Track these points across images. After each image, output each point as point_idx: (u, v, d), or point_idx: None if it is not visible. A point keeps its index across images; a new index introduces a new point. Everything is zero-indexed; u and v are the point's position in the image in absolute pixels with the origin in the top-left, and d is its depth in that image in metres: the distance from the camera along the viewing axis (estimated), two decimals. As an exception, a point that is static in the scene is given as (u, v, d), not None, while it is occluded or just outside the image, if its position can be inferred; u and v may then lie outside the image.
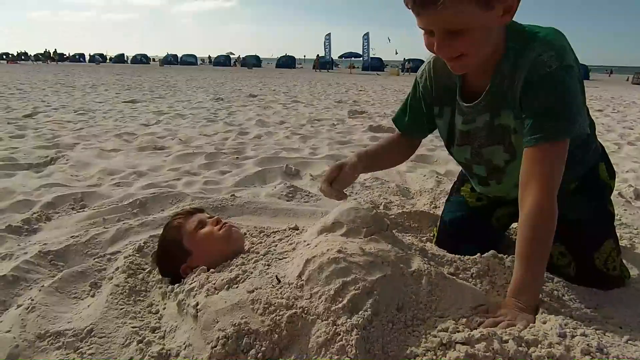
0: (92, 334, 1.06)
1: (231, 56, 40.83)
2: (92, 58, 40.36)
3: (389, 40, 40.52)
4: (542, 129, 0.95)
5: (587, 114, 1.08)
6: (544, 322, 0.88)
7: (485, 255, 1.24)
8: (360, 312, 0.89)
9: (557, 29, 1.01)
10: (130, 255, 1.42)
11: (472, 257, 1.24)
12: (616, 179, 2.83)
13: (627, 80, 26.81)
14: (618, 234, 1.77)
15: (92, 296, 1.28)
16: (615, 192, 2.35)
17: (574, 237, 1.22)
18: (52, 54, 36.07)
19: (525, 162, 0.99)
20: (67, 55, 40.60)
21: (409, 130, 1.36)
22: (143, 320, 1.14)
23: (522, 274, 0.96)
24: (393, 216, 1.84)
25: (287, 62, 36.16)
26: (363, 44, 31.24)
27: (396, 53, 39.24)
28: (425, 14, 0.90)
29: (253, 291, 0.99)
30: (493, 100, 1.08)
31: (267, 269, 1.11)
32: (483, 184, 1.31)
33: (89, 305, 1.21)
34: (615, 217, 1.97)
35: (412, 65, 29.70)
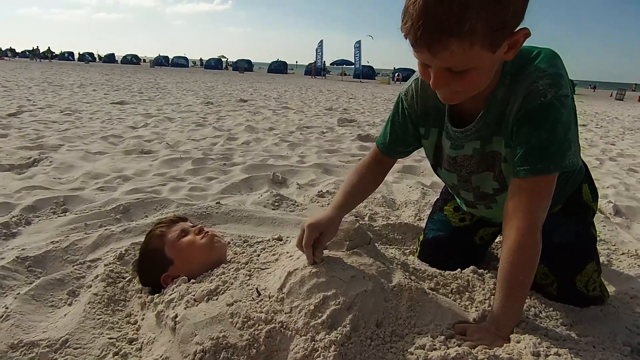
0: (67, 344, 1.04)
1: (222, 59, 40.74)
2: (82, 57, 39.88)
3: (372, 37, 41.08)
4: (532, 162, 0.93)
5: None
6: (518, 342, 0.89)
7: (465, 270, 1.25)
8: (339, 328, 0.90)
9: (552, 49, 0.98)
10: (110, 263, 1.40)
11: (452, 273, 1.26)
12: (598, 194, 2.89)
13: (611, 95, 27.48)
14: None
15: (70, 305, 1.26)
16: (598, 204, 2.42)
17: (557, 260, 1.23)
18: (46, 52, 35.36)
19: (512, 193, 0.97)
20: (56, 53, 40.06)
21: (390, 151, 1.28)
22: (120, 331, 1.13)
23: (502, 303, 0.97)
24: (378, 228, 1.85)
25: (278, 68, 36.23)
26: (355, 51, 31.48)
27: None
28: (427, 53, 0.82)
29: (233, 304, 0.98)
30: (485, 127, 1.04)
31: (248, 280, 1.11)
32: (470, 206, 1.30)
33: (65, 315, 1.19)
34: (595, 234, 2.02)
35: (403, 75, 30.02)
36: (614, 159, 4.41)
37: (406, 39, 0.83)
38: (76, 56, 41.29)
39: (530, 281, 0.97)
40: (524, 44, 0.94)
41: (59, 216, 1.91)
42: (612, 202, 2.53)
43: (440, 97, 0.98)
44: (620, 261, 1.74)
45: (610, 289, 1.50)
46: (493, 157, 1.08)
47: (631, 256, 1.78)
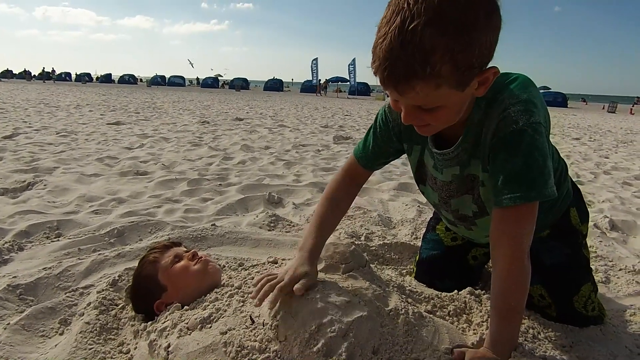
0: (58, 377, 1.02)
1: (219, 78, 41.13)
2: (79, 77, 40.16)
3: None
4: (512, 189, 0.92)
5: (558, 158, 1.08)
6: (517, 367, 0.88)
7: (462, 292, 1.24)
8: (334, 357, 0.88)
9: (527, 76, 0.99)
10: (103, 290, 1.38)
11: (449, 294, 1.25)
12: (593, 208, 2.90)
13: (603, 108, 27.84)
14: (593, 267, 1.81)
15: (61, 334, 1.23)
16: (590, 223, 2.41)
17: (551, 281, 1.23)
18: (50, 73, 35.75)
19: (495, 221, 0.97)
20: (55, 73, 40.39)
21: (370, 163, 1.25)
22: (112, 362, 1.11)
23: (497, 329, 0.96)
24: (374, 248, 1.84)
25: (274, 85, 36.60)
26: (349, 69, 31.89)
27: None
28: (396, 93, 0.84)
29: (226, 332, 0.97)
30: (464, 152, 1.05)
31: (242, 306, 1.09)
32: (452, 224, 1.30)
33: (56, 345, 1.16)
34: (590, 250, 2.01)
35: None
36: (608, 172, 4.43)
37: (375, 76, 0.84)
38: (73, 76, 41.59)
39: (522, 305, 0.97)
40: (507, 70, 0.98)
41: (52, 241, 1.89)
42: (607, 217, 2.53)
43: (418, 130, 0.98)
44: (617, 277, 1.74)
45: (609, 306, 1.49)
46: (472, 180, 1.09)
47: (629, 272, 1.77)
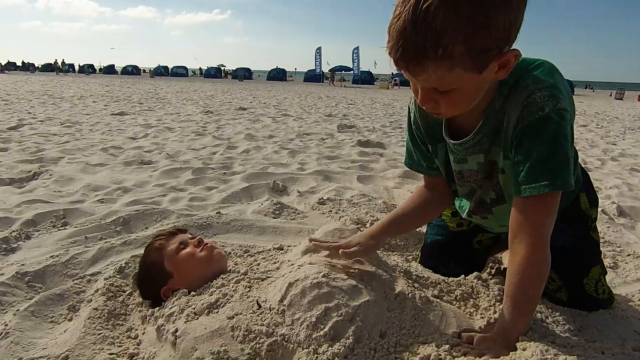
0: (67, 361, 1.02)
1: (222, 68, 40.97)
2: (82, 68, 40.12)
3: (375, 63, 41.34)
4: (536, 179, 0.91)
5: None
6: (524, 349, 0.87)
7: (469, 277, 1.24)
8: (342, 340, 0.88)
9: (552, 63, 0.96)
10: (110, 277, 1.39)
11: (456, 279, 1.24)
12: (601, 194, 2.87)
13: (610, 95, 27.49)
14: (602, 253, 1.80)
15: (70, 320, 1.24)
16: (598, 209, 2.39)
17: (562, 263, 1.21)
18: (62, 64, 35.83)
19: (517, 210, 0.96)
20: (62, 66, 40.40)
21: (422, 169, 1.24)
22: (121, 346, 1.11)
23: (510, 316, 0.95)
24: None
25: (278, 75, 36.40)
26: (353, 57, 31.62)
27: (375, 64, 40.11)
28: (409, 74, 0.84)
29: (233, 317, 0.97)
30: (485, 138, 1.02)
31: (249, 291, 1.09)
32: (468, 215, 1.28)
33: (65, 330, 1.17)
34: (599, 235, 2.00)
35: (400, 80, 30.06)
36: (616, 158, 4.38)
37: (389, 57, 0.83)
38: (77, 68, 41.55)
39: (539, 296, 0.97)
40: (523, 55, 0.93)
41: (58, 230, 1.90)
42: (615, 203, 2.51)
43: (432, 114, 0.97)
44: (626, 263, 1.72)
45: (618, 291, 1.48)
46: (491, 166, 1.07)
47: (637, 257, 1.76)
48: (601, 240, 1.93)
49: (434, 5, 0.73)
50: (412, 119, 1.17)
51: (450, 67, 0.79)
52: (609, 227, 2.14)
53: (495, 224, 1.24)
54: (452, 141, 1.08)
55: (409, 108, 1.20)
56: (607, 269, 1.66)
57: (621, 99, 23.65)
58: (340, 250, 1.08)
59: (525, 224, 0.94)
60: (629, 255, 1.79)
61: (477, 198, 1.17)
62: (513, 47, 0.82)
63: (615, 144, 5.49)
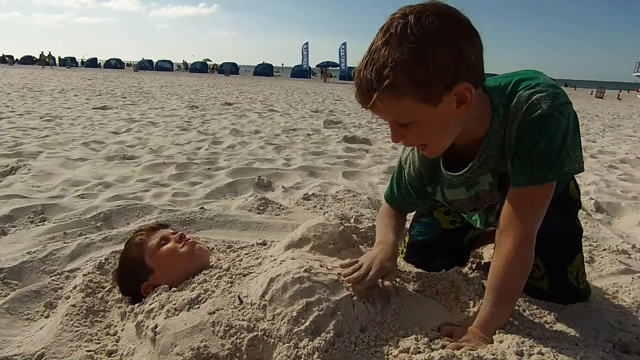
0: (43, 358, 1.01)
1: (208, 62, 40.49)
2: (63, 61, 39.14)
3: None
4: (532, 171, 0.96)
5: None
6: (501, 341, 0.89)
7: (449, 271, 1.25)
8: (322, 334, 0.88)
9: (528, 69, 1.02)
10: (89, 273, 1.36)
11: (437, 274, 1.26)
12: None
13: (591, 93, 28.08)
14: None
15: (47, 317, 1.22)
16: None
17: (550, 250, 1.25)
18: (47, 57, 34.76)
19: (510, 200, 1.00)
20: (36, 58, 39.32)
21: (400, 207, 1.35)
22: (99, 343, 1.10)
23: (491, 309, 0.98)
24: (363, 230, 1.84)
25: (264, 70, 36.14)
26: (340, 53, 31.59)
27: None
28: (368, 109, 0.92)
29: (214, 312, 0.96)
30: (489, 159, 1.06)
31: (230, 287, 1.09)
32: (484, 225, 1.33)
33: (42, 328, 1.15)
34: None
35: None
36: (595, 155, 4.49)
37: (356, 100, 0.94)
38: (57, 61, 40.53)
39: (521, 289, 1.00)
40: (500, 75, 1.03)
41: (36, 225, 1.86)
42: (593, 199, 2.57)
43: (423, 152, 1.04)
44: (602, 257, 1.77)
45: (594, 284, 1.52)
46: (502, 178, 1.10)
47: (612, 252, 1.81)
48: (579, 235, 1.99)
49: (379, 46, 0.86)
50: (406, 170, 1.25)
51: (398, 97, 0.87)
52: (586, 222, 2.19)
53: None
54: (451, 173, 1.12)
55: (400, 160, 1.28)
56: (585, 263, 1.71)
57: (602, 97, 24.18)
58: (384, 283, 1.06)
59: (516, 215, 0.98)
60: (604, 250, 1.83)
61: (496, 212, 1.18)
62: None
63: (594, 142, 5.61)
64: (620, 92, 30.97)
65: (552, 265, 1.26)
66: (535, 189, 0.97)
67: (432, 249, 1.45)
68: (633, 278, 1.54)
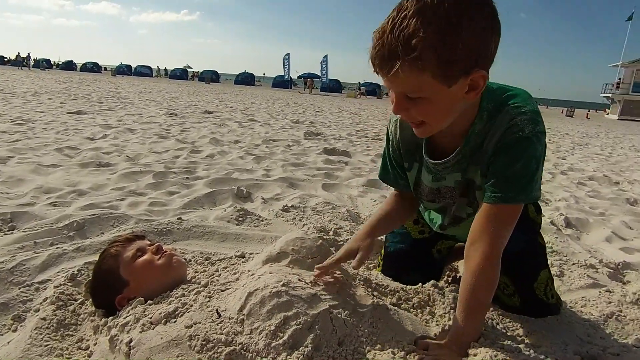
0: (10, 375, 0.97)
1: (188, 70, 40.14)
2: (37, 63, 38.05)
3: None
4: (504, 190, 0.99)
5: None
6: (475, 355, 0.91)
7: (425, 285, 1.28)
8: (300, 349, 0.88)
9: (526, 91, 1.06)
10: (61, 285, 1.32)
11: (414, 287, 1.28)
12: (550, 206, 3.04)
13: (562, 112, 29.22)
14: (550, 262, 1.90)
15: (14, 331, 1.17)
16: (547, 221, 2.53)
17: (514, 269, 1.29)
18: (25, 58, 33.51)
19: (480, 216, 1.03)
20: (10, 58, 38.11)
21: (394, 183, 1.32)
22: (70, 358, 1.06)
23: (462, 322, 1.01)
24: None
25: (246, 79, 36.12)
26: (322, 65, 31.90)
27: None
28: (383, 76, 0.91)
29: (192, 326, 0.95)
30: (464, 158, 1.10)
31: (209, 301, 1.07)
32: (442, 229, 1.35)
33: (9, 342, 1.11)
34: (547, 245, 2.11)
35: (368, 89, 30.61)
36: (565, 172, 4.66)
37: (370, 63, 0.92)
38: (32, 62, 39.40)
39: (489, 301, 1.03)
40: (499, 83, 1.05)
41: (5, 234, 1.79)
42: (563, 215, 2.66)
43: (415, 131, 1.04)
44: (571, 271, 1.83)
45: (563, 298, 1.57)
46: (468, 184, 1.14)
47: (581, 266, 1.88)
48: (549, 250, 2.05)
49: (409, 14, 0.84)
50: (391, 141, 1.25)
51: (420, 71, 0.85)
52: (556, 237, 2.27)
53: (464, 232, 1.30)
54: (432, 161, 1.14)
55: (387, 131, 1.27)
56: (554, 277, 1.76)
57: (571, 116, 25.19)
58: (352, 264, 1.13)
59: (486, 231, 1.01)
60: (574, 264, 1.90)
61: (452, 214, 1.23)
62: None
63: (565, 159, 5.83)
64: (589, 111, 32.38)
65: (519, 282, 1.31)
66: (505, 207, 1.01)
67: (404, 260, 1.48)
68: (600, 292, 1.60)
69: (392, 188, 1.36)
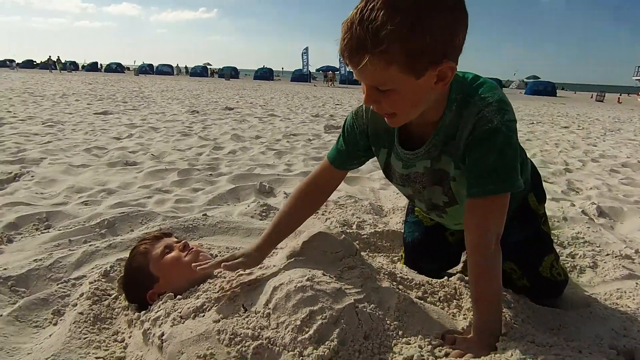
0: (52, 366, 1.02)
1: (208, 67, 40.62)
2: (64, 66, 39.28)
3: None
4: (483, 183, 0.99)
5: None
6: (505, 349, 0.90)
7: (452, 278, 1.27)
8: (326, 343, 0.89)
9: (492, 81, 1.05)
10: (95, 281, 1.38)
11: (439, 281, 1.27)
12: (581, 195, 2.94)
13: (592, 97, 28.13)
14: (582, 252, 1.85)
15: (55, 325, 1.23)
16: (578, 210, 2.46)
17: (517, 256, 1.31)
18: (57, 62, 34.85)
19: (467, 211, 1.04)
20: (37, 62, 39.47)
21: (343, 164, 1.30)
22: (107, 350, 1.11)
23: (480, 315, 1.01)
24: (365, 236, 1.85)
25: (265, 74, 36.26)
26: (340, 58, 31.68)
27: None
28: (352, 68, 0.91)
29: (219, 320, 0.97)
30: (434, 148, 1.09)
31: (235, 295, 1.10)
32: (425, 212, 1.37)
33: (50, 335, 1.17)
34: (579, 235, 2.05)
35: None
36: (596, 160, 4.50)
37: (339, 53, 0.91)
38: (59, 65, 40.69)
39: (492, 292, 1.02)
40: (466, 72, 1.04)
41: (41, 233, 1.88)
42: (595, 204, 2.58)
43: (387, 121, 1.03)
44: (605, 262, 1.77)
45: (597, 290, 1.53)
46: (441, 174, 1.13)
47: (615, 257, 1.81)
48: (581, 241, 1.99)
49: (377, 5, 0.83)
50: (356, 123, 1.23)
51: (387, 63, 0.85)
52: (589, 227, 2.20)
53: (450, 222, 1.33)
54: (405, 151, 1.14)
55: (355, 113, 1.24)
56: (587, 269, 1.72)
57: (602, 101, 24.21)
58: (223, 264, 1.13)
59: (472, 225, 1.02)
60: (607, 255, 1.84)
61: (426, 199, 1.23)
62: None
63: (595, 145, 5.63)
64: (620, 95, 31.04)
65: (524, 268, 1.33)
66: (488, 200, 0.99)
67: (420, 247, 1.50)
68: (637, 283, 1.54)
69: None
